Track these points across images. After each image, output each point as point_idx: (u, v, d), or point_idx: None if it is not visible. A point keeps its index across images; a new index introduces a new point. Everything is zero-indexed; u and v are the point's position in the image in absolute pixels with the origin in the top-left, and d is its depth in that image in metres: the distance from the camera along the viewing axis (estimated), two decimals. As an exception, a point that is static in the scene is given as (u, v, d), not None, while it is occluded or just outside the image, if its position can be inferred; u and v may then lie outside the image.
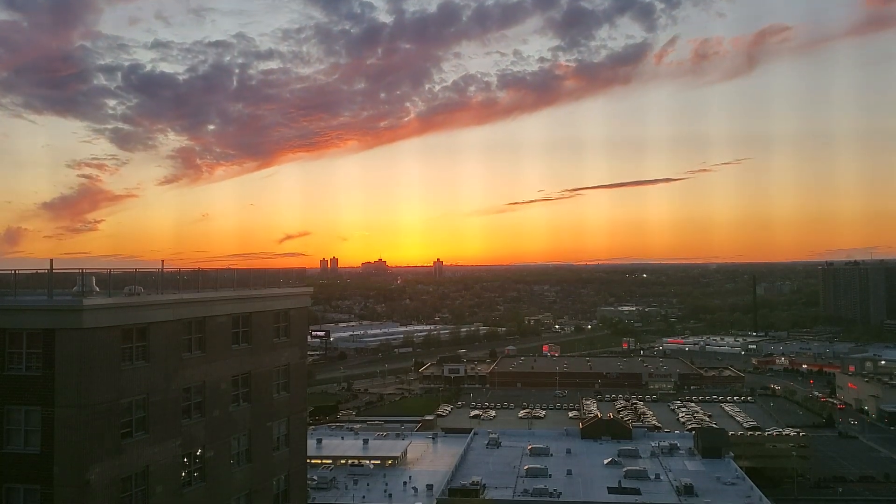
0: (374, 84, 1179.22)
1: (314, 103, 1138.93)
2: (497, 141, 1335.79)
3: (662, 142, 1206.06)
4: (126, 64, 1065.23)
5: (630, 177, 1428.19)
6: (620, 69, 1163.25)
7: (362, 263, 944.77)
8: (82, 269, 33.08)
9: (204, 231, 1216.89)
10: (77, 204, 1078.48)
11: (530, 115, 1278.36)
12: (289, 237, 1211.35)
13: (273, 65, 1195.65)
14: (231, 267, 48.74)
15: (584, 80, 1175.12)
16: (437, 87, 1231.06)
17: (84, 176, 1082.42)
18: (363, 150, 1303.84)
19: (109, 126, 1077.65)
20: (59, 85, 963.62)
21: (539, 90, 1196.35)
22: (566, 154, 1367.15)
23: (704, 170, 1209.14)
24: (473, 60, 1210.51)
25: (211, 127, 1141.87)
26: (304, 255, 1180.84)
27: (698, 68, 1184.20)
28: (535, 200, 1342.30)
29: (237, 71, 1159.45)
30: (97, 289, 33.01)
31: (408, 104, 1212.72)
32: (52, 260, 33.58)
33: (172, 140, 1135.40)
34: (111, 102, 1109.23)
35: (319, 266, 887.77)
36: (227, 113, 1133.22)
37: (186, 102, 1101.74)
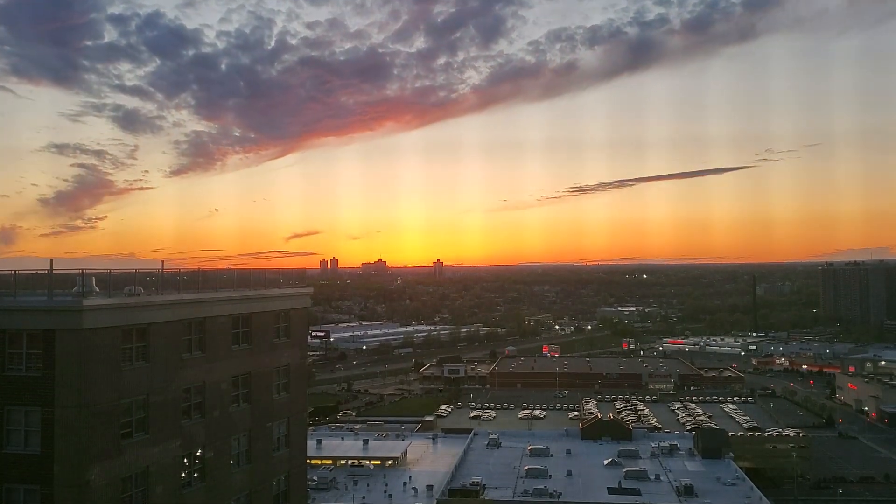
0: (437, 42, 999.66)
1: (360, 68, 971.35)
2: (542, 123, 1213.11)
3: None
4: (143, 13, 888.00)
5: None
6: (750, 17, 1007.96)
7: (362, 264, 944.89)
8: (82, 270, 33.11)
9: (213, 228, 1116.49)
10: (76, 199, 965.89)
11: (608, 82, 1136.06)
12: (297, 235, 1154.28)
13: (322, 15, 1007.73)
14: (236, 267, 48.61)
15: (694, 36, 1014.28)
16: (512, 48, 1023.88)
17: (82, 165, 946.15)
18: (398, 133, 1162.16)
19: (115, 101, 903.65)
20: (57, 40, 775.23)
21: (637, 48, 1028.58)
22: (598, 145, 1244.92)
23: (753, 165, 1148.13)
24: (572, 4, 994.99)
25: (234, 101, 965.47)
26: (314, 254, 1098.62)
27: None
28: (565, 195, 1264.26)
29: (279, 25, 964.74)
30: (97, 289, 33.03)
31: (469, 72, 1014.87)
32: (51, 260, 33.65)
33: (187, 120, 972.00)
34: (122, 67, 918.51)
35: (319, 266, 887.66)
36: (257, 82, 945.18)
37: (211, 67, 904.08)
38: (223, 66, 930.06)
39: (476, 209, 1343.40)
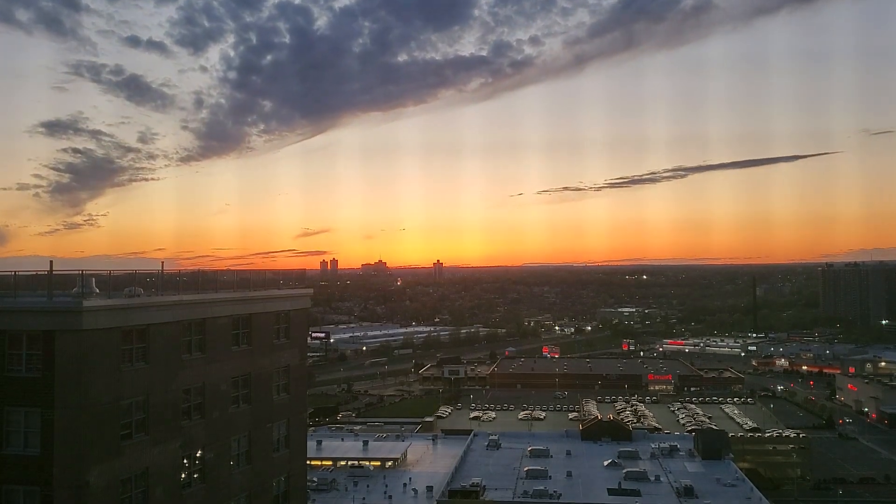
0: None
1: (432, 9, 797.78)
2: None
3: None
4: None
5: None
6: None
7: (362, 265, 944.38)
8: (82, 271, 33.13)
9: (224, 224, 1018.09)
10: (74, 193, 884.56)
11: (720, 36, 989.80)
12: (307, 234, 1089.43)
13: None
14: (247, 268, 48.54)
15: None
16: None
17: (77, 151, 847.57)
18: (454, 107, 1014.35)
19: (118, 62, 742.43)
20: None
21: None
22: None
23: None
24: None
25: (271, 58, 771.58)
26: (328, 252, 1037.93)
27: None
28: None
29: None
30: (97, 290, 33.03)
31: (580, 13, 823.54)
32: (51, 261, 33.64)
33: (207, 87, 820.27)
34: (140, 9, 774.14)
35: (319, 267, 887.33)
36: (305, 32, 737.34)
37: (253, 5, 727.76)
38: (267, 7, 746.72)
39: (478, 208, 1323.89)
